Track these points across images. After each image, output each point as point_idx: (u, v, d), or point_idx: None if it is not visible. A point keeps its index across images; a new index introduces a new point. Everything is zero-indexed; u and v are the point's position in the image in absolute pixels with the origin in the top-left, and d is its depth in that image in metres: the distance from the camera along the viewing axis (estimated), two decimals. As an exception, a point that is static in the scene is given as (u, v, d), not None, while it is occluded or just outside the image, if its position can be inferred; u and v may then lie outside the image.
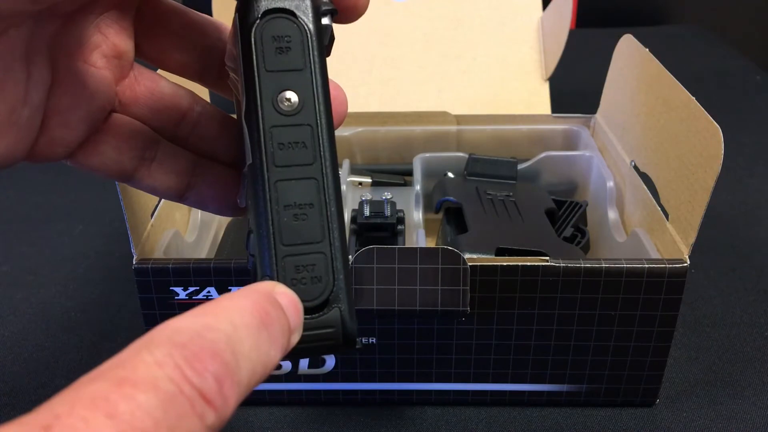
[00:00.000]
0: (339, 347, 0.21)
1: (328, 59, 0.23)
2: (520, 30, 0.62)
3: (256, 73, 0.21)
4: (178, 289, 0.36)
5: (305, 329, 0.20)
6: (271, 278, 0.20)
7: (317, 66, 0.21)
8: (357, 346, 0.21)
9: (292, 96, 0.21)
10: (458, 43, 0.62)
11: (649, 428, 0.40)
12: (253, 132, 0.21)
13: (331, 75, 0.23)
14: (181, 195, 0.27)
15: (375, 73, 0.61)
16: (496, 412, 0.41)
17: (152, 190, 0.27)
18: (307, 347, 0.20)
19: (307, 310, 0.20)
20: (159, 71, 0.27)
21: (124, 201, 0.35)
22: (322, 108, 0.21)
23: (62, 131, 0.24)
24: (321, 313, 0.20)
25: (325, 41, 0.22)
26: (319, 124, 0.21)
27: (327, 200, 0.21)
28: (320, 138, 0.21)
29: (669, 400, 0.41)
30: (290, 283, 0.20)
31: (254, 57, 0.21)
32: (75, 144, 0.24)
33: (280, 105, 0.21)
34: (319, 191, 0.21)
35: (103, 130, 0.25)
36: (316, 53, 0.21)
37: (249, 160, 0.21)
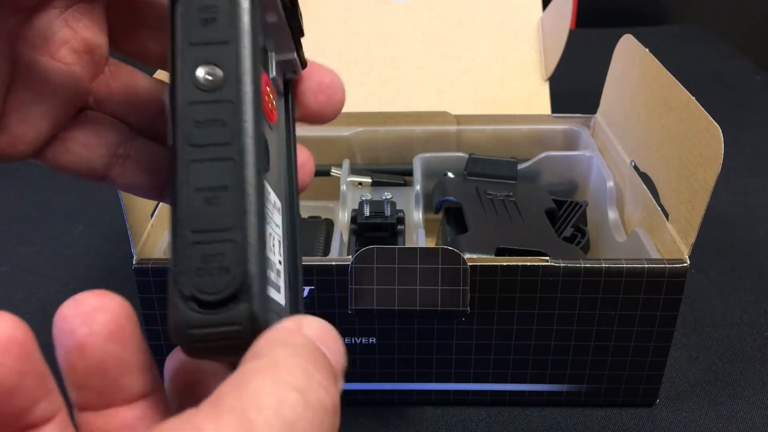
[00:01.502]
0: (246, 348, 0.18)
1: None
2: (520, 30, 0.62)
3: (178, 46, 0.19)
4: (178, 289, 0.36)
5: (201, 326, 0.18)
6: (177, 268, 0.18)
7: (246, 38, 0.19)
8: None
9: (214, 70, 0.19)
10: (458, 43, 0.62)
11: (649, 428, 0.40)
12: (171, 109, 0.19)
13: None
14: (159, 193, 0.27)
15: (375, 73, 0.61)
16: (496, 412, 0.41)
17: (128, 188, 0.26)
18: (204, 346, 0.18)
19: (210, 305, 0.18)
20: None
21: (124, 201, 0.35)
22: (247, 82, 0.19)
23: (23, 127, 0.23)
24: (225, 308, 0.18)
25: (260, 16, 0.20)
26: (242, 100, 0.19)
27: (244, 183, 0.18)
28: (242, 115, 0.19)
29: (669, 400, 0.41)
30: (195, 274, 0.18)
31: (178, 29, 0.19)
32: (39, 141, 0.24)
33: (200, 80, 0.19)
34: (235, 173, 0.18)
35: (72, 127, 0.25)
36: (245, 25, 0.19)
37: (170, 141, 0.19)
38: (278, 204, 0.22)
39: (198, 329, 0.18)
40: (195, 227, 0.18)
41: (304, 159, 0.26)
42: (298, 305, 0.23)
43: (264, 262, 0.18)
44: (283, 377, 0.16)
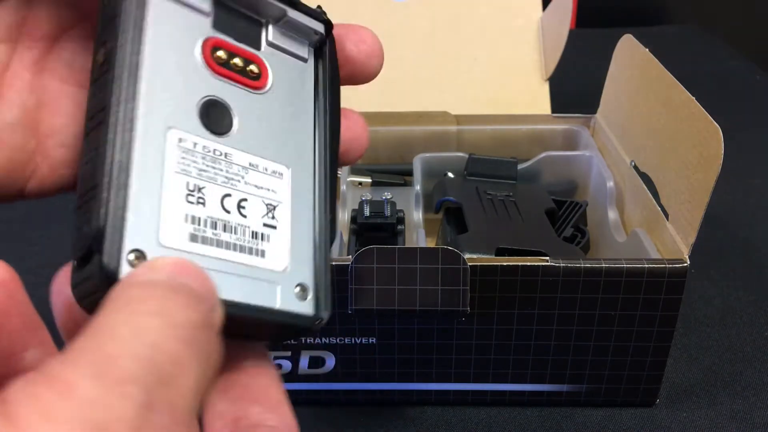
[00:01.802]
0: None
1: None
2: (520, 30, 0.62)
3: (98, 32, 0.20)
4: (178, 289, 0.36)
5: (76, 284, 0.18)
6: None
7: (129, 8, 0.19)
8: None
9: (107, 46, 0.20)
10: (458, 43, 0.62)
11: (649, 428, 0.40)
12: None
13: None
14: None
15: (375, 73, 0.61)
16: (496, 412, 0.41)
17: None
18: (85, 303, 0.18)
19: (80, 261, 0.18)
20: None
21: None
22: (126, 48, 0.19)
23: (61, 151, 0.23)
24: (86, 264, 0.18)
25: None
26: (116, 65, 0.19)
27: (111, 143, 0.18)
28: (115, 79, 0.19)
29: (669, 400, 0.41)
30: (76, 233, 0.19)
31: (98, 15, 0.20)
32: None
33: (100, 58, 0.20)
34: (104, 134, 0.19)
35: None
36: None
37: None
38: (271, 168, 0.22)
39: (75, 287, 0.18)
40: (82, 190, 0.19)
41: (350, 123, 0.25)
42: (318, 279, 0.22)
43: (122, 216, 0.18)
44: (138, 308, 0.16)
